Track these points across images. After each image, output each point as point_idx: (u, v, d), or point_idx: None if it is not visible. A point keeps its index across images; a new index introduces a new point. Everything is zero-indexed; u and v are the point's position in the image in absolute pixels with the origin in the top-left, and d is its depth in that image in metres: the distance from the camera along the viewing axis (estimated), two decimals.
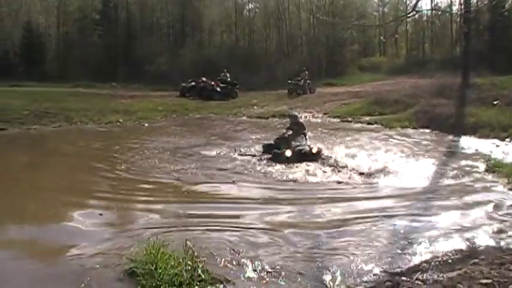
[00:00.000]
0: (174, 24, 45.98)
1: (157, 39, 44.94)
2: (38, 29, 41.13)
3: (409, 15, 19.03)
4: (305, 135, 12.59)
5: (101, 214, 7.54)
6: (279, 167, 10.86)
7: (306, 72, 31.03)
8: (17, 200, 8.50)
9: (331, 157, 11.69)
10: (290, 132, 12.62)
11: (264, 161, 11.55)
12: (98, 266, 5.43)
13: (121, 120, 20.73)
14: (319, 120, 21.37)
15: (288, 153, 11.42)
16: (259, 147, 13.23)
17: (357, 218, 7.18)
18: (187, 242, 5.34)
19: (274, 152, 11.81)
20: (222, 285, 4.97)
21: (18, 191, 9.28)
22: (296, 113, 14.22)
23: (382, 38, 41.60)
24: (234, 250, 5.87)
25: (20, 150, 14.59)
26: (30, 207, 8.24)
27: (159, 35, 45.89)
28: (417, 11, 20.07)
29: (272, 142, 12.67)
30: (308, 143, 12.25)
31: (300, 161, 11.21)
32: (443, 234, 6.33)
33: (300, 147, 11.72)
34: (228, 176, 10.18)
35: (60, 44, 42.12)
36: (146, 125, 20.16)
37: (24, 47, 38.76)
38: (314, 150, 11.65)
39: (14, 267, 5.48)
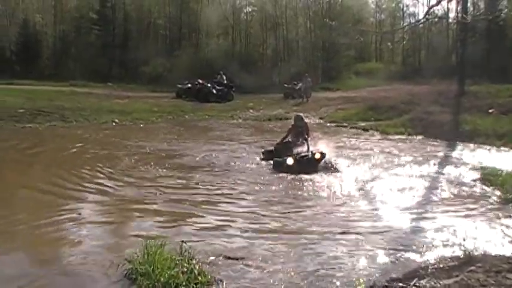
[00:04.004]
0: (171, 26, 46.01)
1: (154, 40, 44.92)
2: (35, 27, 41.14)
3: (420, 22, 19.16)
4: (307, 140, 12.02)
5: (79, 213, 7.53)
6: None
7: (309, 79, 30.83)
8: None
9: (333, 165, 11.26)
10: (290, 137, 12.36)
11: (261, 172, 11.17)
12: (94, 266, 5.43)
13: (117, 121, 20.67)
14: (314, 125, 21.30)
15: (290, 161, 10.90)
16: (251, 150, 13.14)
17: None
18: (184, 244, 5.32)
19: (275, 161, 11.33)
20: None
21: None
22: (302, 114, 13.50)
23: (389, 44, 41.92)
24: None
25: None
26: None
27: (156, 37, 45.87)
28: (427, 19, 20.27)
29: (272, 148, 12.29)
30: (311, 148, 11.62)
31: (303, 169, 10.69)
32: (439, 242, 6.33)
33: (302, 155, 11.22)
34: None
35: (57, 43, 42.13)
36: (141, 125, 20.13)
37: (20, 45, 38.79)
38: (317, 157, 11.06)
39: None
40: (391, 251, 6.03)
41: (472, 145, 15.49)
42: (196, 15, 45.49)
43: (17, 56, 38.79)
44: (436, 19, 40.97)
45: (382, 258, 5.80)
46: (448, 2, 29.96)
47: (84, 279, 5.12)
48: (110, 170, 10.89)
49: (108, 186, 9.44)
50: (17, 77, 31.79)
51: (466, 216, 7.66)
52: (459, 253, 5.85)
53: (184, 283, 4.81)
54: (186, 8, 45.15)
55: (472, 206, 8.27)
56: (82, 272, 5.28)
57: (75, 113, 21.02)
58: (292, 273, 5.28)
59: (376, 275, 5.27)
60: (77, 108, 21.86)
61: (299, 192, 9.18)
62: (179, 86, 30.72)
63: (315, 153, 11.19)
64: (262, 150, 12.89)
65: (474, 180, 10.23)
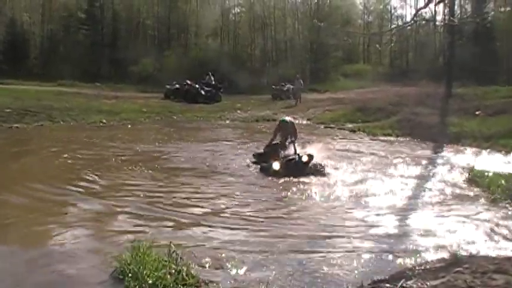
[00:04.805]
0: (160, 26, 45.97)
1: (143, 40, 44.91)
2: (22, 26, 40.88)
3: (408, 24, 19.34)
4: (294, 142, 11.77)
5: (65, 213, 7.51)
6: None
7: (300, 81, 30.86)
8: None
9: (321, 168, 11.03)
10: (278, 137, 12.27)
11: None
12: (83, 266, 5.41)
13: (104, 121, 20.56)
14: (302, 127, 21.21)
15: (276, 166, 10.61)
16: (238, 151, 13.09)
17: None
18: (171, 245, 5.31)
19: (261, 166, 11.15)
20: None
21: None
22: (287, 118, 13.05)
23: (377, 45, 42.10)
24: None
25: None
26: None
27: (145, 36, 45.83)
28: (415, 21, 20.48)
29: (262, 151, 12.17)
30: (298, 151, 11.33)
31: (290, 173, 10.43)
32: (426, 243, 6.36)
33: (289, 158, 10.98)
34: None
35: (45, 42, 41.91)
36: (129, 126, 20.04)
37: (7, 44, 38.46)
38: (304, 159, 10.80)
39: None
40: (378, 252, 6.05)
41: (459, 147, 15.56)
42: (185, 16, 45.51)
43: (4, 55, 38.42)
44: (424, 21, 41.19)
45: (369, 259, 5.82)
46: (435, 5, 30.17)
47: (72, 279, 5.10)
48: (96, 170, 10.79)
49: (94, 186, 9.38)
50: (4, 76, 31.49)
51: (453, 217, 7.70)
52: (446, 254, 5.88)
53: (171, 284, 4.80)
54: (174, 8, 45.13)
55: (458, 207, 8.31)
56: (69, 272, 5.25)
57: (62, 113, 20.87)
58: (280, 277, 5.28)
59: (363, 276, 5.28)
60: (64, 108, 21.70)
61: (286, 195, 9.14)
62: (167, 86, 30.74)
63: (302, 156, 10.95)
64: (253, 153, 12.68)
65: (461, 182, 10.28)
